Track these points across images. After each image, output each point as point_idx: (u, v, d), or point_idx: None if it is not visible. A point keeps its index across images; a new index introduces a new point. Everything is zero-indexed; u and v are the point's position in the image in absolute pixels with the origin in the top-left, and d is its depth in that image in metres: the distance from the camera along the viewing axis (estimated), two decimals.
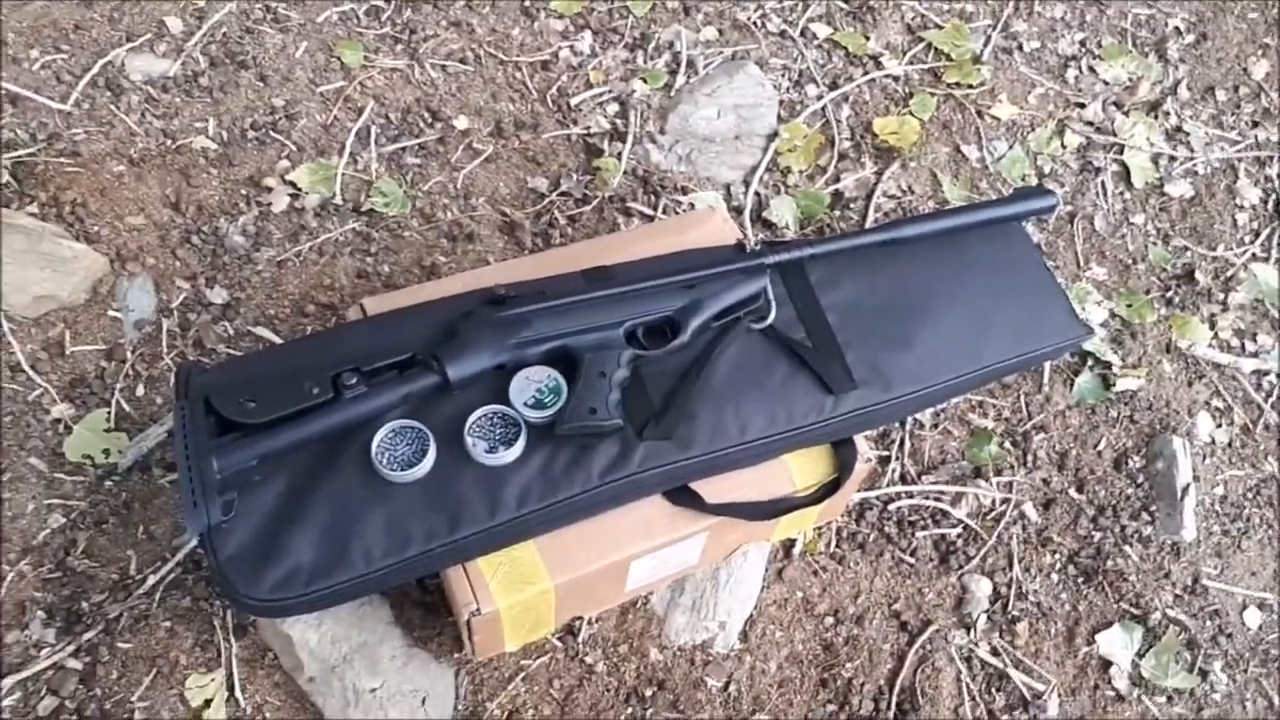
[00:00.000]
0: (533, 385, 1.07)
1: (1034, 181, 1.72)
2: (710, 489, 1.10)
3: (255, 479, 1.00)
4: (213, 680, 1.09)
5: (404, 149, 1.49)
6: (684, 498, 1.10)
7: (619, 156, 1.53)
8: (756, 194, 1.57)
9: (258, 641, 1.11)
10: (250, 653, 1.11)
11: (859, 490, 1.38)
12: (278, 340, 1.31)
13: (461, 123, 1.52)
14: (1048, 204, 1.28)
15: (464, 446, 1.02)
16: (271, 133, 1.47)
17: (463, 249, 1.42)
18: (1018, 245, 1.32)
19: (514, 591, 1.01)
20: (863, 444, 1.18)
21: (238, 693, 1.09)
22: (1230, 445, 1.55)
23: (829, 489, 1.15)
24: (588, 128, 1.55)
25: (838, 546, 1.34)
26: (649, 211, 1.50)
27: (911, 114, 1.70)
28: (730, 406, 1.11)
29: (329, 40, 1.55)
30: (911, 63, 1.77)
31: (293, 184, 1.43)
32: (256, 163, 1.44)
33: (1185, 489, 1.45)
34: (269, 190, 1.42)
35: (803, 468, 1.15)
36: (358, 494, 1.01)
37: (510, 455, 1.03)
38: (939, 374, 1.19)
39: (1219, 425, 1.56)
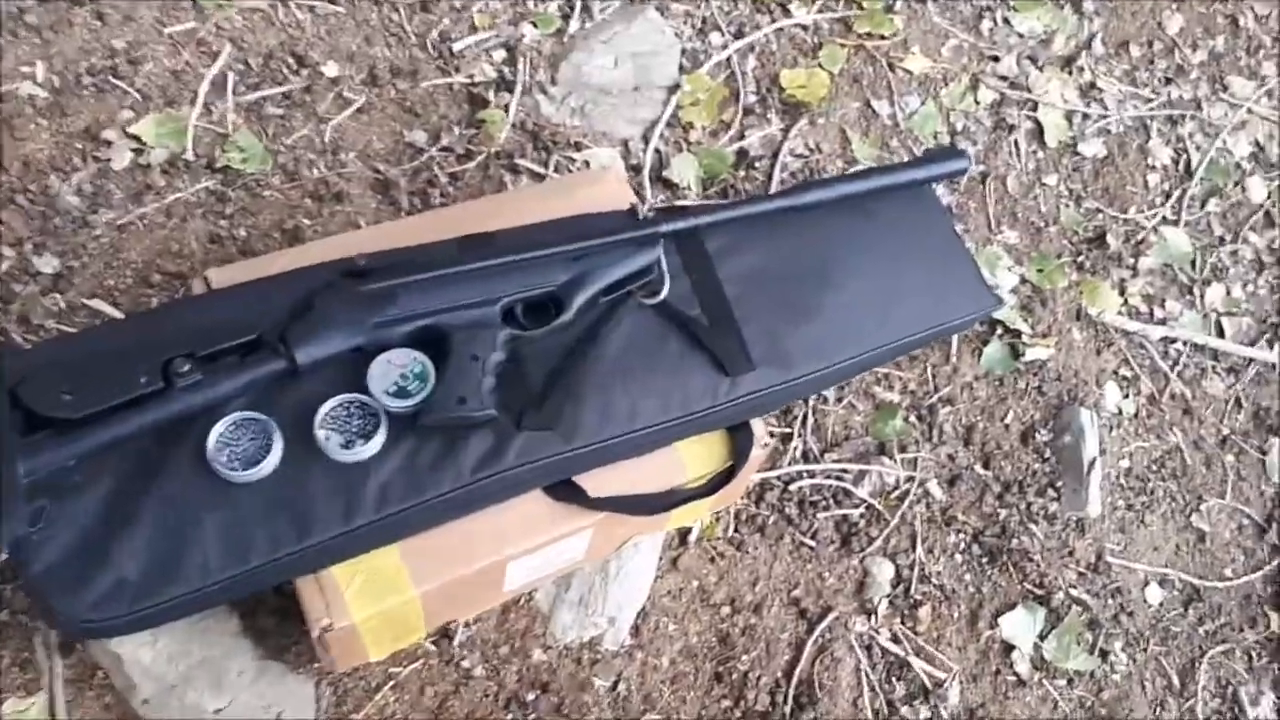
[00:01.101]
0: (395, 370, 0.96)
1: (947, 140, 1.64)
2: (595, 481, 1.01)
3: (74, 482, 0.88)
4: (34, 704, 0.97)
5: (265, 98, 1.34)
6: (566, 492, 1.01)
7: (506, 109, 1.41)
8: (656, 151, 1.47)
9: (85, 660, 0.99)
10: (77, 672, 0.99)
11: (759, 471, 1.31)
12: (117, 315, 1.17)
13: (331, 69, 1.38)
14: (959, 166, 1.21)
15: (315, 441, 0.92)
16: (111, 79, 1.30)
17: (330, 210, 1.29)
18: (927, 210, 1.25)
19: (373, 602, 0.92)
20: (760, 427, 1.10)
21: (62, 717, 0.97)
22: (1137, 416, 1.52)
23: (723, 478, 1.07)
24: (471, 76, 1.42)
25: (736, 531, 1.27)
26: (539, 170, 1.38)
27: (821, 66, 1.61)
28: (619, 391, 1.02)
29: None
30: (822, 10, 1.67)
31: (136, 137, 1.28)
32: (94, 113, 1.28)
33: (1092, 464, 1.42)
34: (108, 144, 1.27)
35: (696, 455, 1.07)
36: (192, 497, 0.89)
37: (368, 450, 0.92)
38: (843, 349, 1.12)
39: (1126, 395, 1.53)
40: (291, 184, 1.29)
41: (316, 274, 1.02)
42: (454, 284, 1.00)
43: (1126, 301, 1.60)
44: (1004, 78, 1.72)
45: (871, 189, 1.17)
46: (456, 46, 1.43)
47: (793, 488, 1.32)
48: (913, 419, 1.42)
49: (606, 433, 1.00)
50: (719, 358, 1.06)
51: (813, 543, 1.29)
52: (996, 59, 1.73)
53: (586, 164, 1.40)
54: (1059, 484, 1.41)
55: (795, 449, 1.35)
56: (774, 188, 1.49)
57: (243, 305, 0.99)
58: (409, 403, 0.95)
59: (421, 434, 0.95)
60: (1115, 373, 1.54)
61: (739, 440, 1.09)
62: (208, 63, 1.34)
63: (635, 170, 1.44)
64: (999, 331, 1.51)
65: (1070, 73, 1.77)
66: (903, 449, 1.39)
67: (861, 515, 1.32)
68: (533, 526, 0.99)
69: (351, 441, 0.93)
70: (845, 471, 1.35)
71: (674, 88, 1.50)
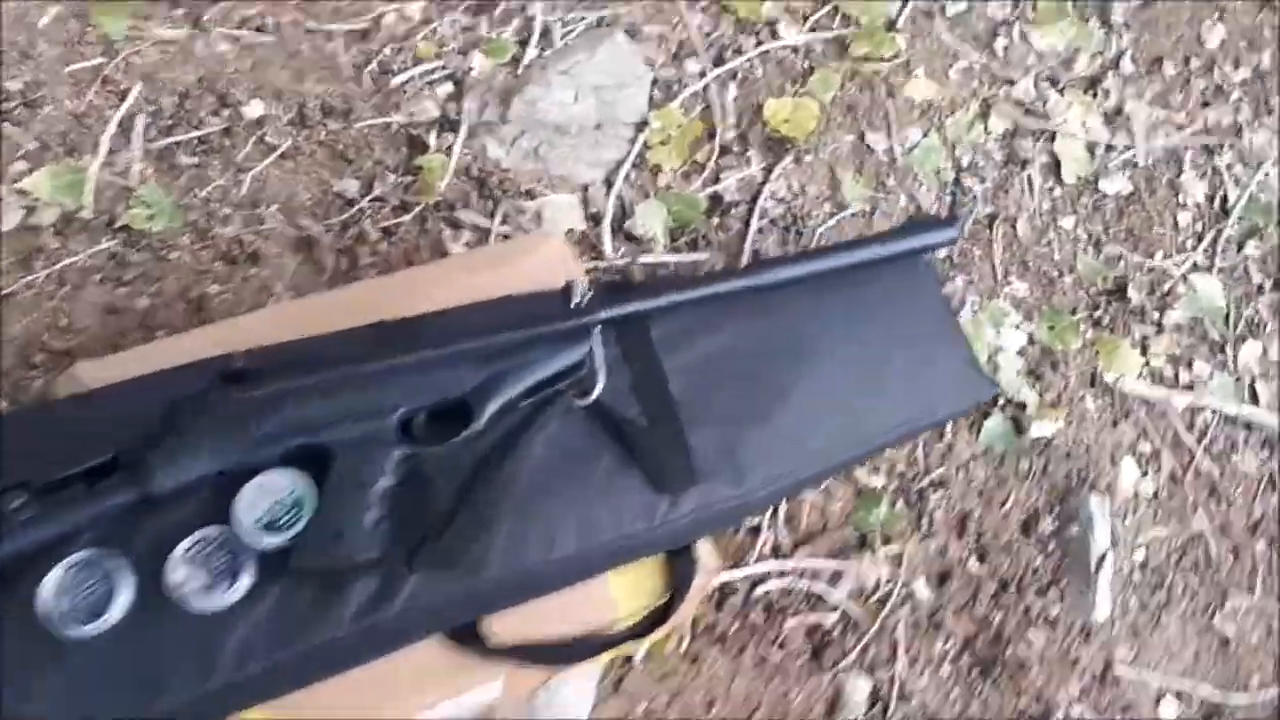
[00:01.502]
0: (267, 498, 0.83)
1: (949, 175, 1.47)
2: (505, 624, 0.88)
3: None
4: None
5: (178, 144, 1.20)
6: (468, 639, 0.87)
7: (449, 151, 1.26)
8: (620, 197, 1.31)
9: None
10: None
11: (723, 572, 1.17)
12: None
13: (254, 109, 1.24)
14: (946, 237, 1.04)
15: (169, 584, 0.79)
16: (4, 125, 1.17)
17: (243, 275, 1.15)
18: (916, 284, 1.09)
19: None
20: (708, 551, 0.96)
21: None
22: (1155, 497, 1.36)
23: (660, 613, 0.93)
24: (412, 115, 1.27)
25: (692, 643, 1.13)
26: (483, 222, 1.24)
27: (810, 95, 1.44)
28: (535, 515, 0.88)
29: (85, 5, 1.24)
30: (814, 29, 1.49)
31: (26, 193, 1.14)
32: None
33: (1102, 559, 1.26)
34: None
35: (628, 587, 0.93)
36: (22, 658, 0.77)
37: (231, 595, 0.80)
38: (809, 455, 0.98)
39: (1145, 473, 1.36)
40: (202, 244, 1.15)
41: (188, 376, 0.88)
42: (341, 390, 0.86)
43: (1149, 363, 1.42)
44: (1019, 103, 1.54)
45: (844, 266, 1.02)
46: (396, 80, 1.28)
47: (759, 590, 1.18)
48: (900, 505, 1.26)
49: (518, 567, 0.87)
50: (657, 470, 0.92)
51: (780, 655, 1.14)
52: (1011, 82, 1.55)
53: (539, 216, 1.25)
54: (1063, 582, 1.26)
55: (764, 543, 1.20)
56: (750, 237, 1.33)
57: (96, 418, 0.86)
58: (281, 538, 0.82)
59: (296, 575, 0.81)
60: (1133, 448, 1.37)
61: (679, 568, 0.95)
62: (115, 104, 1.20)
63: (595, 220, 1.29)
64: (1001, 402, 1.35)
65: (1094, 96, 1.58)
66: (887, 541, 1.24)
67: (836, 622, 1.18)
68: (427, 682, 0.85)
69: (214, 584, 0.80)
70: (820, 570, 1.20)
71: (642, 124, 1.34)
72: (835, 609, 1.18)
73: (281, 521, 0.81)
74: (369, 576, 0.83)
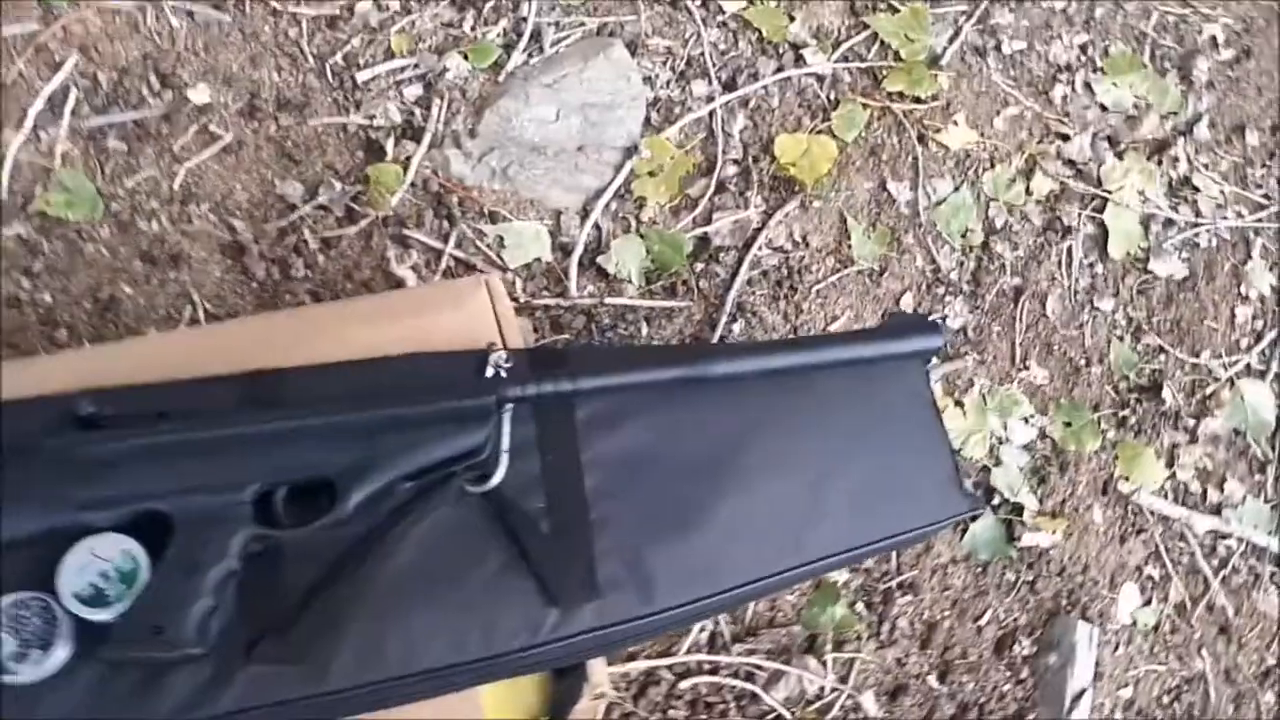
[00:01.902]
0: (94, 567, 0.73)
1: (978, 237, 1.32)
2: None
3: None
4: None
5: (110, 126, 1.11)
6: None
7: (407, 162, 1.14)
8: (596, 228, 1.18)
9: None
10: None
11: (646, 658, 1.05)
12: None
13: (200, 94, 1.13)
14: (929, 345, 0.90)
15: None
16: None
17: (161, 277, 1.05)
18: (898, 381, 0.95)
19: None
20: (601, 671, 0.84)
21: None
22: (1156, 630, 1.21)
23: None
24: (372, 117, 1.16)
25: None
26: (436, 244, 1.12)
27: (829, 133, 1.29)
28: (398, 619, 0.77)
29: None
30: (846, 59, 1.34)
31: None
32: None
33: (1078, 697, 1.12)
34: None
35: (504, 700, 0.82)
36: None
37: (41, 668, 0.70)
38: (736, 572, 0.85)
39: (1147, 602, 1.21)
40: (122, 239, 1.06)
41: (30, 412, 0.79)
42: (191, 454, 0.76)
43: (1174, 476, 1.27)
44: (1070, 162, 1.37)
45: (808, 364, 0.88)
46: (362, 76, 1.17)
47: (686, 684, 1.06)
48: (859, 607, 1.13)
49: (368, 676, 0.76)
50: (552, 578, 0.80)
51: None
52: (1066, 137, 1.38)
53: (501, 241, 1.13)
54: (1031, 716, 1.12)
55: (700, 630, 1.08)
56: (736, 289, 1.20)
57: None
58: (104, 614, 0.72)
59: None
60: (1138, 571, 1.22)
61: (564, 687, 0.84)
62: (46, 75, 1.10)
63: (564, 251, 1.17)
64: (996, 501, 1.20)
65: (1159, 163, 1.40)
66: (839, 645, 1.11)
67: None
68: None
69: (23, 653, 0.71)
70: (758, 669, 1.08)
71: (631, 150, 1.21)
72: (769, 713, 1.06)
73: (109, 595, 0.72)
74: (198, 666, 0.73)
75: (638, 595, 0.81)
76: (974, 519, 1.18)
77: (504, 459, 0.81)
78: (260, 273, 1.07)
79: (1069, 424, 1.26)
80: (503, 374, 0.84)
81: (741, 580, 0.85)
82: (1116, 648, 1.18)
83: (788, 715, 1.07)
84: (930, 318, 0.89)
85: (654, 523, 0.84)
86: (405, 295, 1.00)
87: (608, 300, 1.15)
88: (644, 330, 1.16)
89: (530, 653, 0.79)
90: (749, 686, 1.07)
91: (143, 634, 0.72)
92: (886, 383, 0.94)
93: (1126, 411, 1.28)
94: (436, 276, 1.11)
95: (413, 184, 1.13)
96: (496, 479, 0.81)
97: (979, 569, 1.18)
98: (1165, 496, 1.25)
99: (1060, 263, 1.32)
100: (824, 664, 1.10)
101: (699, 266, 1.20)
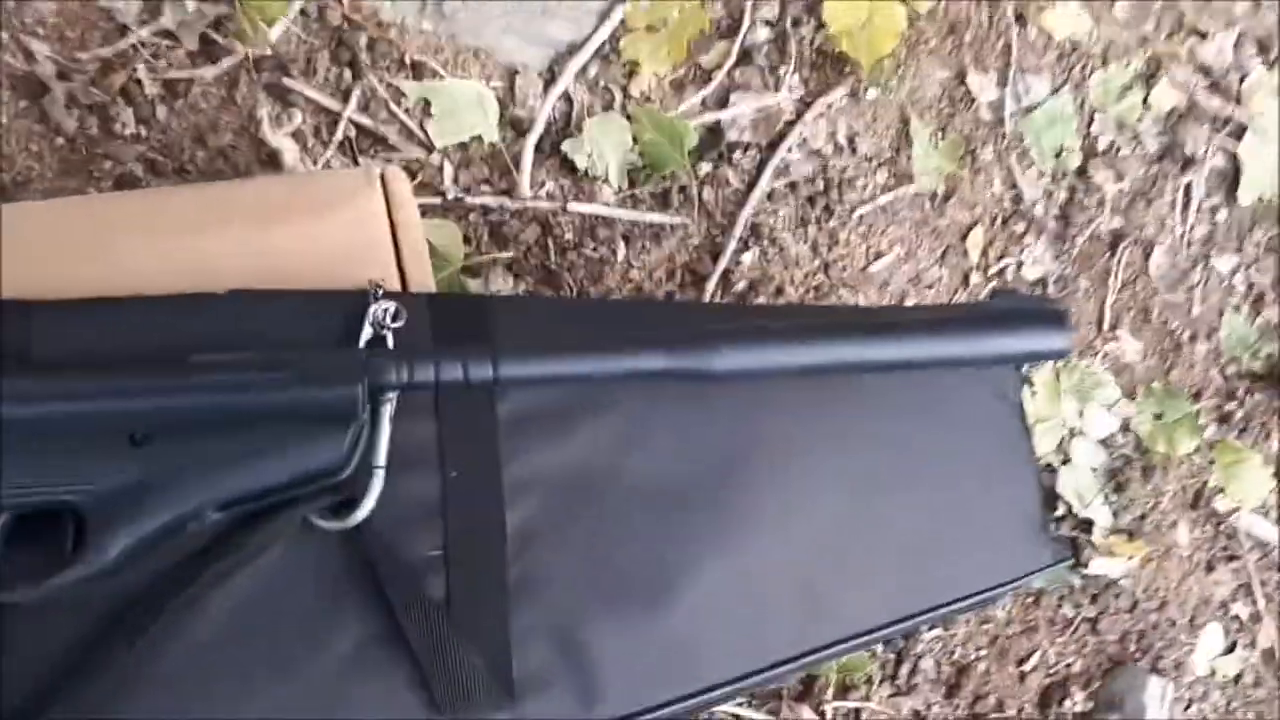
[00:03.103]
0: None
1: (1075, 160, 0.99)
2: None
3: None
4: None
5: None
6: None
7: None
8: (565, 100, 0.84)
9: None
10: None
11: None
12: None
13: None
14: (1051, 348, 0.58)
15: None
16: None
17: None
18: (975, 390, 0.66)
19: None
20: None
21: None
22: (1237, 681, 0.95)
23: None
24: None
25: None
26: (331, 104, 0.79)
27: None
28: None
29: None
30: None
31: None
32: None
33: None
34: None
35: None
36: None
37: None
38: (721, 663, 0.58)
39: (1231, 647, 0.95)
40: None
41: None
42: None
43: None
44: (1205, 69, 1.04)
45: (866, 362, 0.57)
46: None
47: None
48: (877, 645, 0.86)
49: None
50: (437, 671, 0.51)
51: None
52: (1204, 35, 1.04)
53: (423, 107, 0.79)
54: None
55: None
56: (752, 204, 0.87)
57: None
58: None
59: None
60: (1224, 606, 0.96)
61: None
62: None
63: (517, 129, 0.83)
64: (1060, 511, 0.92)
65: None
66: (843, 691, 0.85)
67: None
68: None
69: None
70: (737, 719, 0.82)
71: None
72: None
73: None
74: None
75: (576, 698, 0.54)
76: (1052, 497, 0.90)
77: (377, 479, 0.51)
78: (69, 125, 0.73)
79: (1160, 416, 0.97)
80: (388, 339, 0.53)
81: (733, 674, 0.57)
82: (1190, 704, 0.93)
83: None
84: (1053, 304, 0.59)
85: (607, 585, 0.56)
86: (259, 186, 0.66)
87: (573, 206, 0.83)
88: (620, 253, 0.84)
89: None
90: None
91: None
92: (964, 385, 0.64)
93: (1233, 404, 0.99)
94: (328, 154, 0.77)
95: (303, 11, 0.78)
96: (364, 510, 0.51)
97: (1029, 599, 0.91)
98: (1267, 515, 0.98)
99: (1174, 203, 1.01)
100: (821, 715, 0.83)
101: (704, 168, 0.87)
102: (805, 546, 0.60)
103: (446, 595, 0.53)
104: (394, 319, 0.54)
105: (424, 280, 0.62)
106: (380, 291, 0.55)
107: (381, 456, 0.52)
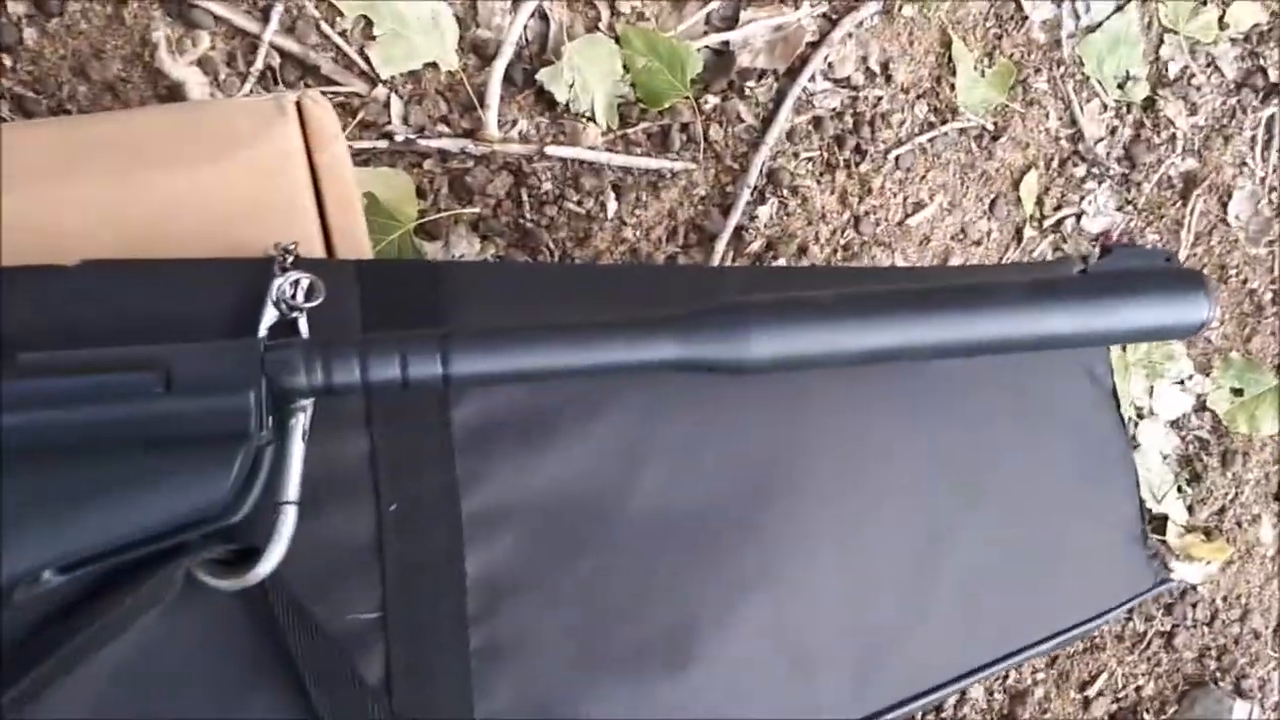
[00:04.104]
0: None
1: (1141, 90, 0.84)
2: None
3: None
4: None
5: None
6: None
7: None
8: (540, 19, 0.69)
9: None
10: None
11: None
12: None
13: None
14: (1189, 320, 0.43)
15: None
16: None
17: None
18: (1066, 361, 0.52)
19: None
20: None
21: None
22: None
23: None
24: None
25: None
26: (246, 23, 0.63)
27: None
28: None
29: None
30: None
31: None
32: None
33: None
34: None
35: None
36: None
37: None
38: None
39: None
40: None
41: None
42: None
43: None
44: None
45: (941, 345, 0.42)
46: None
47: None
48: None
49: None
50: None
51: None
52: None
53: (362, 28, 0.63)
54: None
55: None
56: (770, 145, 0.72)
57: None
58: None
59: None
60: None
61: None
62: None
63: (482, 56, 0.67)
64: None
65: None
66: None
67: None
68: None
69: None
70: None
71: None
72: None
73: None
74: None
75: None
76: None
77: (287, 520, 0.36)
78: None
79: (1239, 391, 0.83)
80: (299, 324, 0.37)
81: None
82: None
83: None
84: (1184, 263, 0.45)
85: (606, 647, 0.41)
86: (132, 121, 0.50)
87: (552, 150, 0.67)
88: (610, 207, 0.68)
89: None
90: None
91: None
92: (1051, 367, 0.50)
93: None
94: (246, 88, 0.61)
95: None
96: (269, 562, 0.37)
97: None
98: None
99: (1255, 140, 0.86)
100: None
101: (710, 102, 0.72)
102: (864, 584, 0.46)
103: (386, 673, 0.39)
104: (309, 296, 0.39)
105: (357, 244, 0.47)
106: (290, 258, 0.40)
107: (292, 489, 0.37)
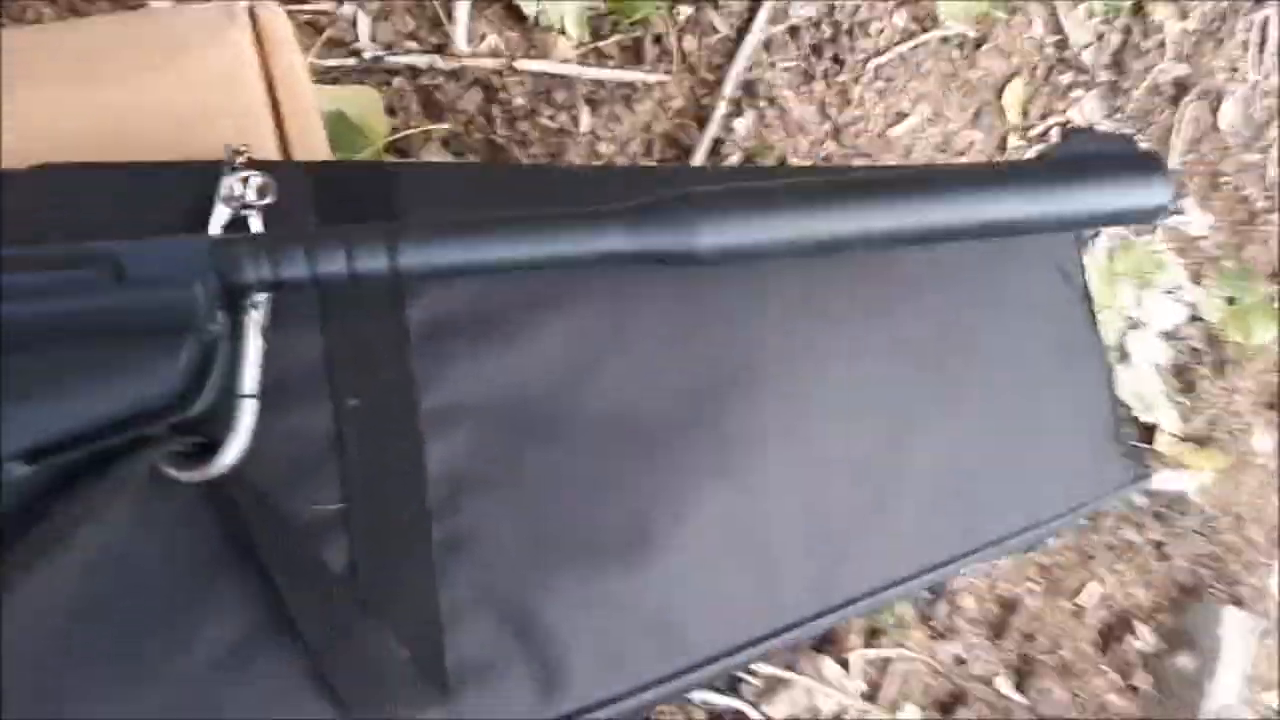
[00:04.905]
0: None
1: None
2: None
3: None
4: None
5: None
6: None
7: None
8: None
9: None
10: None
11: None
12: None
13: None
14: (1148, 203, 0.42)
15: None
16: None
17: None
18: (1033, 252, 0.51)
19: None
20: None
21: None
22: None
23: None
24: None
25: None
26: None
27: None
28: None
29: None
30: None
31: None
32: None
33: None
34: None
35: None
36: None
37: None
38: (717, 631, 0.45)
39: None
40: None
41: None
42: None
43: None
44: None
45: (905, 231, 0.42)
46: None
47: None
48: None
49: None
50: (340, 661, 0.38)
51: None
52: None
53: None
54: None
55: None
56: (745, 55, 0.71)
57: None
58: None
59: None
60: None
61: None
62: None
63: None
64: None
65: None
66: (870, 638, 0.72)
67: None
68: None
69: None
70: (749, 675, 0.69)
71: None
72: None
73: None
74: None
75: (531, 687, 0.40)
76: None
77: (246, 412, 0.36)
78: None
79: (1232, 300, 0.82)
80: (250, 221, 0.38)
81: (731, 643, 0.44)
82: (1266, 636, 0.80)
83: None
84: (1142, 145, 0.45)
85: (565, 540, 0.42)
86: (83, 29, 0.50)
87: (522, 64, 0.66)
88: (583, 121, 0.68)
89: None
90: (733, 704, 0.68)
91: None
92: (1019, 261, 0.50)
93: None
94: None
95: None
96: (230, 454, 0.37)
97: (1089, 523, 0.77)
98: None
99: (1248, 44, 0.84)
100: (845, 666, 0.71)
101: (684, 12, 0.71)
102: (824, 477, 0.46)
103: (350, 563, 0.39)
104: (260, 194, 0.39)
105: (315, 152, 0.47)
106: (240, 159, 0.40)
107: (248, 382, 0.38)
